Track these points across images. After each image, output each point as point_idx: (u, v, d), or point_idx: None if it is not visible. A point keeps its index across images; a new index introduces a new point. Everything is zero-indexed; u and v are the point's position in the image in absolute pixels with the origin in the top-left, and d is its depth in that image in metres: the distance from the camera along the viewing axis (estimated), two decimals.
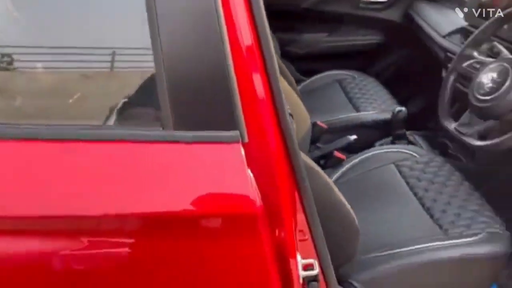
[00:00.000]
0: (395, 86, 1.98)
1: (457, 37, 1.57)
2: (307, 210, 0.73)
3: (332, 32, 2.09)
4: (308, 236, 0.77)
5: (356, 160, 1.39)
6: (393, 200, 1.24)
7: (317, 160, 1.47)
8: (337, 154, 1.40)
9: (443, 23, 1.72)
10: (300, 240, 0.75)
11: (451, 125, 1.18)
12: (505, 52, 1.17)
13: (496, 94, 1.04)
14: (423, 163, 1.32)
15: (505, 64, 1.06)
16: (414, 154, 1.37)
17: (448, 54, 1.55)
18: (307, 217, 0.74)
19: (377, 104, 1.72)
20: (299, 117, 1.32)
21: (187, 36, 0.58)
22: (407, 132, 1.61)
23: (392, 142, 1.56)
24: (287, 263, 0.69)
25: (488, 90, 1.07)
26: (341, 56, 2.10)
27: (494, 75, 1.07)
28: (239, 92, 0.58)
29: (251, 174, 0.59)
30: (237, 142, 0.58)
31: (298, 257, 0.71)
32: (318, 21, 2.06)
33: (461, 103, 1.30)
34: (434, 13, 1.80)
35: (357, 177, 1.34)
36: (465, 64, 1.21)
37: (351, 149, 1.56)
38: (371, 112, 1.67)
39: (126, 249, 0.57)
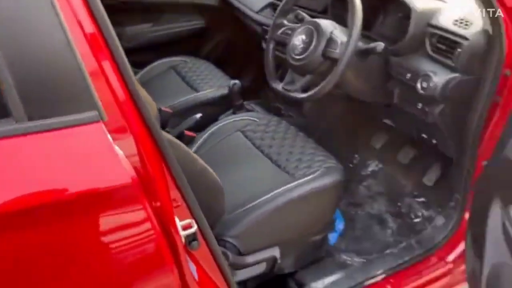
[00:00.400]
0: (227, 64, 2.13)
1: (268, 11, 1.79)
2: (176, 178, 0.79)
3: (156, 22, 2.13)
4: (181, 202, 0.84)
5: (206, 135, 1.49)
6: (246, 161, 1.38)
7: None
8: (187, 133, 1.48)
9: (254, 1, 1.92)
10: (175, 207, 0.82)
11: (279, 86, 1.35)
12: (307, 17, 1.38)
13: (307, 53, 1.24)
14: (263, 125, 1.49)
15: (309, 26, 1.27)
16: (255, 119, 1.52)
17: (264, 27, 1.76)
18: (178, 185, 0.80)
19: (213, 82, 1.84)
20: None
21: (26, 25, 0.58)
22: (245, 103, 1.77)
23: (234, 113, 1.70)
24: (168, 227, 0.75)
25: (300, 50, 1.26)
26: (170, 44, 2.15)
27: (303, 37, 1.27)
28: (90, 75, 0.61)
29: (120, 150, 0.63)
30: (98, 121, 0.61)
31: (177, 220, 0.77)
32: (139, 12, 2.08)
33: (283, 66, 1.50)
34: None
35: (211, 150, 1.44)
36: (279, 32, 1.39)
37: (200, 127, 1.66)
38: (209, 90, 1.78)
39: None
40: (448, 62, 1.17)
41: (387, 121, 1.59)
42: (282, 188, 1.21)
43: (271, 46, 1.41)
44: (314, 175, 1.25)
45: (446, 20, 1.21)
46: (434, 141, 1.39)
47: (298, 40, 1.28)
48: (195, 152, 1.44)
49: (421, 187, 1.63)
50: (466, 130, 1.24)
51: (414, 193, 1.66)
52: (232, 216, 1.17)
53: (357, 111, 1.72)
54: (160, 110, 1.61)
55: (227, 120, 1.54)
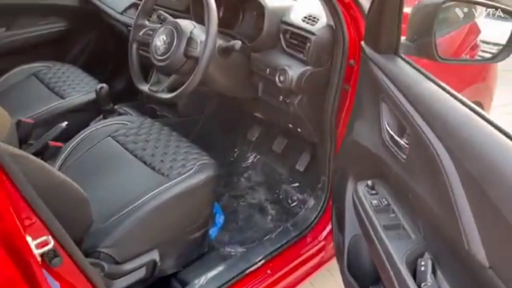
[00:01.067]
0: (96, 68, 2.04)
1: (132, 11, 1.75)
2: (25, 195, 0.74)
3: (10, 26, 1.95)
4: (35, 219, 0.79)
5: (74, 143, 1.41)
6: (119, 167, 1.34)
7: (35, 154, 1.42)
8: (53, 143, 1.39)
9: (118, 1, 1.86)
10: (28, 225, 0.77)
11: (145, 87, 1.34)
12: (169, 17, 1.38)
13: (169, 53, 1.24)
14: (136, 128, 1.46)
15: (169, 27, 1.27)
16: (126, 122, 1.48)
17: (129, 28, 1.71)
18: (27, 202, 0.76)
19: (80, 87, 1.76)
20: None
21: None
22: (116, 106, 1.72)
23: (105, 118, 1.64)
24: (19, 248, 0.70)
25: (163, 50, 1.26)
26: (30, 49, 2.00)
27: (164, 37, 1.27)
28: None
29: None
30: None
31: (29, 239, 0.73)
32: None
33: (148, 67, 1.48)
34: None
35: (80, 159, 1.37)
36: (141, 33, 1.37)
37: (69, 136, 1.57)
38: (76, 96, 1.70)
39: None
40: (301, 56, 1.27)
41: (257, 114, 1.67)
42: (156, 190, 1.21)
43: (134, 47, 1.38)
44: (188, 173, 1.26)
45: (296, 17, 1.30)
46: (299, 130, 1.49)
47: (160, 40, 1.27)
48: (62, 163, 1.36)
49: (295, 173, 1.75)
50: (324, 117, 1.35)
51: (289, 179, 1.77)
52: (106, 226, 1.14)
53: (230, 106, 1.77)
54: (19, 122, 1.50)
55: (97, 126, 1.48)
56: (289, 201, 1.71)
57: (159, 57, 1.26)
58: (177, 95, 1.24)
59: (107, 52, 2.13)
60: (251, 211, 1.69)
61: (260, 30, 1.35)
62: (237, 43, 1.23)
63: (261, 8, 1.32)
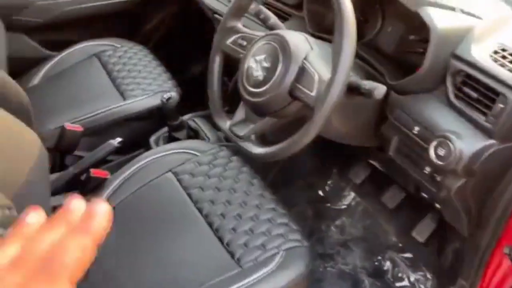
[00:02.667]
0: (170, 51, 1.66)
1: None
2: None
3: None
4: None
5: (125, 175, 1.05)
6: (175, 224, 0.97)
7: (73, 183, 1.09)
8: (96, 173, 1.03)
9: None
10: None
11: (225, 124, 0.92)
12: (272, 19, 0.93)
13: (268, 86, 0.80)
14: (207, 164, 1.07)
15: (273, 43, 0.82)
16: (195, 153, 1.10)
17: (216, 15, 1.28)
18: None
19: (146, 84, 1.38)
20: (21, 144, 0.91)
21: None
22: (185, 117, 1.33)
23: (170, 136, 1.26)
24: None
25: (260, 79, 0.82)
26: (96, 21, 1.64)
27: (264, 58, 0.83)
28: None
29: None
30: None
31: None
32: None
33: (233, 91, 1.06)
34: None
35: (127, 201, 1.01)
36: (230, 41, 0.94)
37: (121, 151, 1.22)
38: (138, 99, 1.31)
39: None
40: (481, 119, 0.76)
41: (374, 163, 1.20)
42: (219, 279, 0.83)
43: (218, 60, 0.96)
44: (268, 267, 0.85)
45: (480, 51, 0.78)
46: (437, 206, 1.01)
47: (256, 62, 0.83)
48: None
49: (408, 239, 1.28)
50: (490, 207, 0.86)
51: (399, 244, 1.31)
52: None
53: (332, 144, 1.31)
54: (63, 130, 1.16)
55: (157, 154, 1.10)
56: (395, 278, 1.26)
57: (252, 89, 0.83)
58: (273, 153, 0.82)
59: (185, 34, 1.73)
60: (341, 284, 1.26)
61: (413, 59, 0.85)
62: (379, 89, 0.75)
63: (421, 28, 0.82)
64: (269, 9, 0.99)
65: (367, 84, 0.76)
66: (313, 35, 0.91)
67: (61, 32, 1.63)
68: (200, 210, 0.98)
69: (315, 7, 1.03)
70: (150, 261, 0.91)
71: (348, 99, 0.83)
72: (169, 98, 1.17)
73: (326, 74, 0.75)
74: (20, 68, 1.55)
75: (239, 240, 0.91)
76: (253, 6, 0.94)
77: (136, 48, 1.55)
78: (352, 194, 1.44)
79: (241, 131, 0.89)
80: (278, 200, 1.02)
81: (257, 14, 0.96)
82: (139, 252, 0.91)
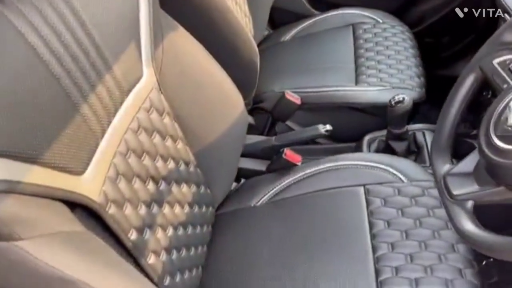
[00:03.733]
0: (435, 42, 1.40)
1: None
2: None
3: None
4: None
5: (312, 170, 0.95)
6: (337, 249, 0.83)
7: (266, 152, 1.05)
8: (288, 155, 0.95)
9: None
10: None
11: (442, 168, 0.68)
12: None
13: None
14: (409, 197, 0.88)
15: None
16: (402, 177, 0.91)
17: (506, 15, 0.96)
18: None
19: (388, 73, 1.19)
20: (227, 99, 0.90)
21: None
22: (414, 126, 1.11)
23: (386, 143, 1.07)
24: None
25: None
26: None
27: None
28: None
29: None
30: None
31: None
32: None
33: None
34: None
35: (302, 198, 0.92)
36: (497, 60, 0.66)
37: (331, 136, 1.11)
38: (370, 88, 1.15)
39: None
40: None
41: None
42: None
43: (470, 80, 0.70)
44: None
45: None
46: None
47: None
48: (283, 189, 0.94)
49: None
50: None
51: None
52: None
53: None
54: (282, 97, 1.11)
55: (357, 161, 0.95)
56: None
57: (499, 142, 0.57)
58: (494, 243, 0.57)
59: (457, 28, 1.42)
60: None
61: None
62: None
63: None
64: None
65: None
66: None
67: None
68: (373, 248, 0.80)
69: None
70: (298, 278, 0.80)
71: None
72: (399, 102, 0.96)
73: None
74: (280, 21, 1.58)
75: None
76: None
77: (399, 28, 1.36)
78: None
79: (458, 187, 0.64)
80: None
81: None
82: (292, 266, 0.82)
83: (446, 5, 1.44)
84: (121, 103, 0.66)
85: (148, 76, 0.73)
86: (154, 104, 0.73)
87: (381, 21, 1.38)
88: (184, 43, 0.87)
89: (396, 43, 1.30)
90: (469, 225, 0.62)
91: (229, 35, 1.06)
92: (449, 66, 1.45)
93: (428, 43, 1.48)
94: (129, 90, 0.68)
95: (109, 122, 0.62)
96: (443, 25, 1.46)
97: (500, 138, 0.58)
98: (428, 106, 1.23)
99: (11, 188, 0.44)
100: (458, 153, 0.77)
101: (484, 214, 0.62)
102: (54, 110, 0.52)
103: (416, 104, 1.10)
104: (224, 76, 0.92)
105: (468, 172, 0.66)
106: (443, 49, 1.50)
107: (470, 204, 0.63)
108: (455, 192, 0.65)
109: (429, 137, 1.09)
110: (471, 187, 0.64)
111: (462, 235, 0.62)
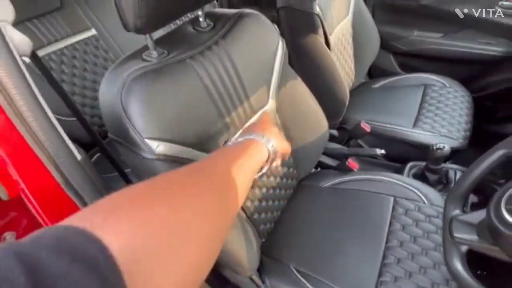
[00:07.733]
0: (497, 103, 1.72)
1: None
2: None
3: (447, 34, 1.90)
4: None
5: (367, 176, 1.28)
6: (365, 235, 1.10)
7: (340, 156, 1.50)
8: (351, 163, 1.35)
9: None
10: None
11: (453, 210, 0.79)
12: None
13: None
14: (426, 215, 1.12)
15: None
16: (424, 199, 1.17)
17: None
18: None
19: (440, 124, 1.56)
20: (317, 120, 1.27)
21: None
22: (449, 166, 1.45)
23: (422, 172, 1.43)
24: None
25: None
26: (448, 61, 1.91)
27: None
28: None
29: None
30: None
31: None
32: (433, 19, 1.90)
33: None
34: None
35: (354, 192, 1.24)
36: None
37: (388, 156, 1.51)
38: (423, 132, 1.53)
39: None
40: None
41: None
42: None
43: (497, 155, 0.76)
44: None
45: None
46: None
47: None
48: (340, 182, 1.28)
49: None
50: None
51: None
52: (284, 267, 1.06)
53: None
54: (357, 125, 1.54)
55: (398, 180, 1.22)
56: None
57: (509, 217, 0.65)
58: None
59: None
60: None
61: None
62: None
63: None
64: None
65: None
66: None
67: (415, 60, 2.01)
68: (386, 240, 1.06)
69: None
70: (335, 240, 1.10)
71: None
72: (439, 149, 1.31)
73: None
74: (376, 74, 2.06)
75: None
76: None
77: (461, 92, 1.73)
78: None
79: (459, 232, 0.73)
80: None
81: None
82: (330, 235, 1.09)
83: (509, 81, 1.78)
84: (251, 117, 0.98)
85: (271, 104, 1.05)
86: None
87: (448, 85, 1.78)
88: (297, 86, 1.15)
89: (455, 103, 1.66)
90: (458, 266, 0.72)
91: (331, 82, 1.48)
92: (501, 125, 1.76)
93: (487, 106, 1.80)
94: (257, 110, 1.00)
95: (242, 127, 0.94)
96: (503, 94, 1.78)
97: (509, 211, 0.64)
98: (472, 151, 1.41)
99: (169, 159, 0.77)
100: (478, 192, 0.98)
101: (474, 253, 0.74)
102: (208, 119, 0.85)
103: (455, 151, 1.43)
104: (318, 108, 1.25)
105: (472, 223, 0.75)
106: (498, 111, 1.80)
107: (464, 248, 0.72)
108: (456, 234, 0.74)
109: (458, 176, 1.42)
110: (471, 236, 0.72)
111: (450, 271, 0.73)
